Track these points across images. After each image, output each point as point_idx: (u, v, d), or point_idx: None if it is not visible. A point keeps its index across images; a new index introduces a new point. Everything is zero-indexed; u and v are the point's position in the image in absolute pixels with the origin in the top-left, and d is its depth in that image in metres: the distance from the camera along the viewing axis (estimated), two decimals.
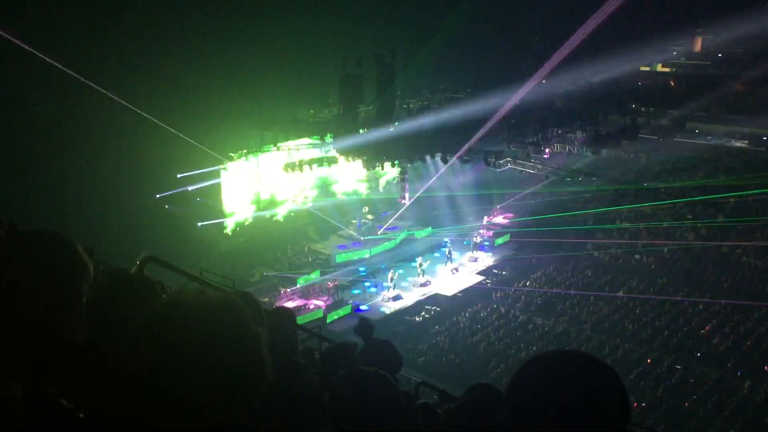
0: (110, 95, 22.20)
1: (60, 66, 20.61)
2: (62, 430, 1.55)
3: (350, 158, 31.02)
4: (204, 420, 1.35)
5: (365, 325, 4.89)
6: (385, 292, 29.27)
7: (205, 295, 1.43)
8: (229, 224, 30.74)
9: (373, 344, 4.75)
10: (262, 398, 1.44)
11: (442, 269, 32.15)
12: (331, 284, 29.44)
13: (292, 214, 33.60)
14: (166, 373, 1.32)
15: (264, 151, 30.32)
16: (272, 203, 32.28)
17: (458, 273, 31.91)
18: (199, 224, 29.06)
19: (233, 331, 1.40)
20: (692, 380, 21.70)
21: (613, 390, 1.53)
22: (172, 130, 24.05)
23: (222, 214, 30.33)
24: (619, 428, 1.53)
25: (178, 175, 27.98)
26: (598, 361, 1.57)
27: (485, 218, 37.58)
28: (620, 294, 28.34)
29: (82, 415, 1.55)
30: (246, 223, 31.37)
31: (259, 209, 31.68)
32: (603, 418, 1.50)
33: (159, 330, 1.37)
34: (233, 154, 29.81)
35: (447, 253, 32.54)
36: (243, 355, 1.40)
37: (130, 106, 22.68)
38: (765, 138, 38.48)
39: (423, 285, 30.27)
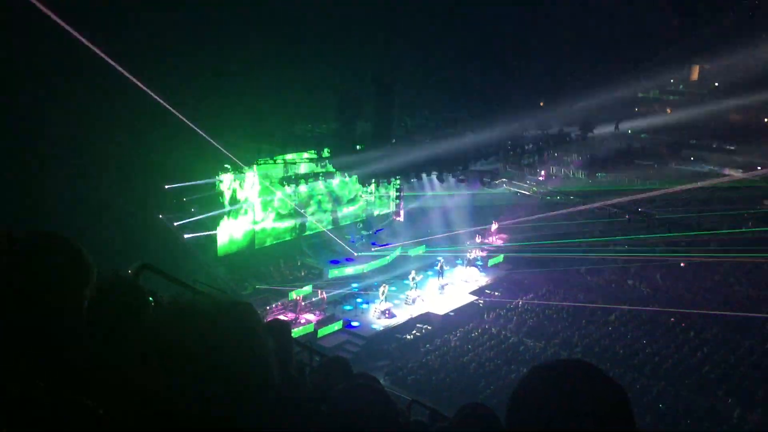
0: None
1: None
2: (85, 429, 1.52)
3: (347, 174, 31.08)
4: (211, 422, 1.32)
5: None
6: (375, 306, 29.18)
7: (214, 299, 1.42)
8: (222, 238, 30.73)
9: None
10: (267, 406, 1.42)
11: (434, 283, 32.13)
12: (322, 298, 29.32)
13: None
14: (178, 374, 1.30)
15: (261, 164, 30.39)
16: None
17: (450, 291, 31.82)
18: (186, 236, 28.68)
19: (244, 333, 1.39)
20: (681, 408, 21.62)
21: (619, 403, 1.52)
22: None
23: (215, 227, 30.27)
24: None
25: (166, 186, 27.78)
26: (604, 374, 1.55)
27: (478, 238, 37.49)
28: (612, 319, 28.29)
29: (102, 412, 1.52)
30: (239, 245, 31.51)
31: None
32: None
33: (170, 332, 1.35)
34: (228, 166, 29.80)
35: (438, 267, 32.45)
36: (252, 358, 1.38)
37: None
38: (759, 168, 38.72)
39: (415, 300, 30.15)
